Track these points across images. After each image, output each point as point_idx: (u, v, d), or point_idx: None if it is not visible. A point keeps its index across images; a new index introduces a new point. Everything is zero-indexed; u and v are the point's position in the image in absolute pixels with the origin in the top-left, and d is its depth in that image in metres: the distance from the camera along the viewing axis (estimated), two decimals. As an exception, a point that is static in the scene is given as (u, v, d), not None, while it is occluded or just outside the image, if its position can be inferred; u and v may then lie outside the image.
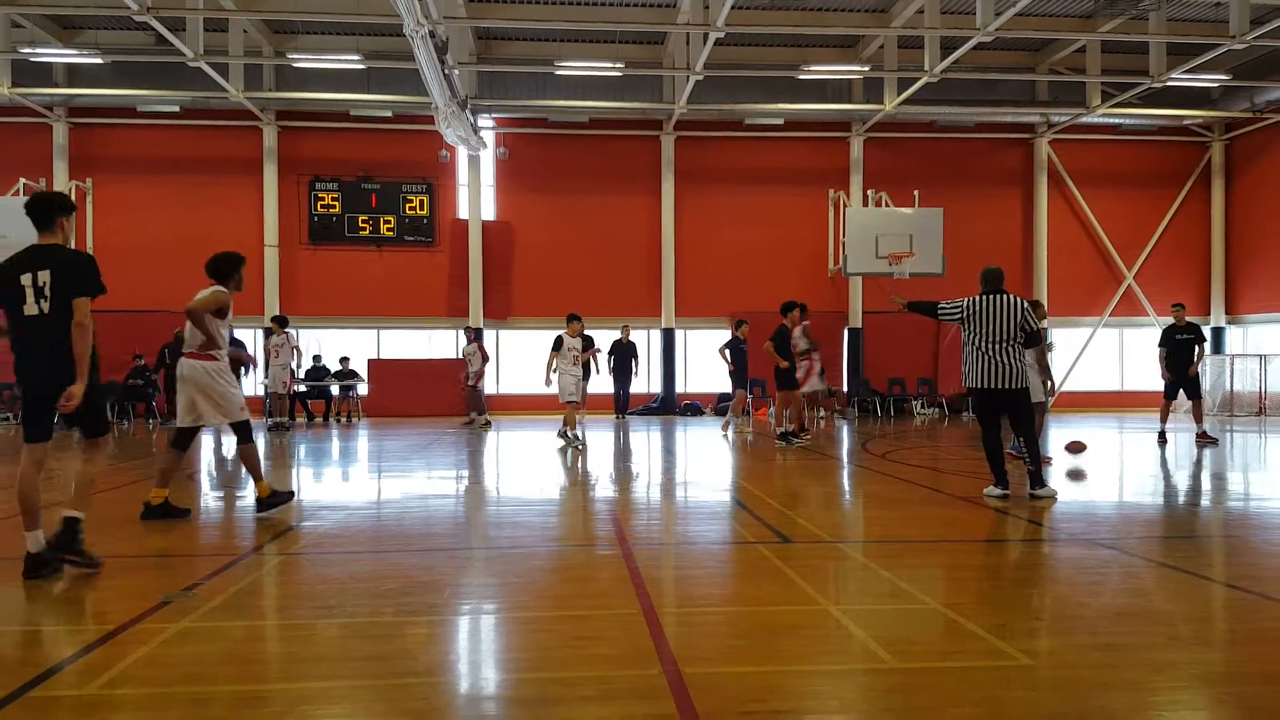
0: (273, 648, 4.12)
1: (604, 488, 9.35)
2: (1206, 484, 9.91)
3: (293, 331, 18.76)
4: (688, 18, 18.33)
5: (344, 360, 21.35)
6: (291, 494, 7.75)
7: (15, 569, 5.21)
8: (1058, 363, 20.68)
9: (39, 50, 19.38)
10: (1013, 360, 7.97)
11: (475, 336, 19.83)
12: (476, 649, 4.11)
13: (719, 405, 22.45)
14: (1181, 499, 8.90)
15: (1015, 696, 3.34)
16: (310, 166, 22.76)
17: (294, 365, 18.64)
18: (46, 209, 5.19)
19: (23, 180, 20.82)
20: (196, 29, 18.30)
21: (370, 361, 22.38)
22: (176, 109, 21.81)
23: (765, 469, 11.24)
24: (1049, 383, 10.98)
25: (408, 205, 22.89)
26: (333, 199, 22.76)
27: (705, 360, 23.71)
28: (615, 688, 3.42)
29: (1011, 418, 8.29)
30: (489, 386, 23.39)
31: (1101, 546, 6.05)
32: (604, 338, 21.58)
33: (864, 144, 23.40)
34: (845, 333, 23.57)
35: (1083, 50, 21.31)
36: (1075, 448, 11.89)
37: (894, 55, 20.84)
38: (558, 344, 13.70)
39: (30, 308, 5.02)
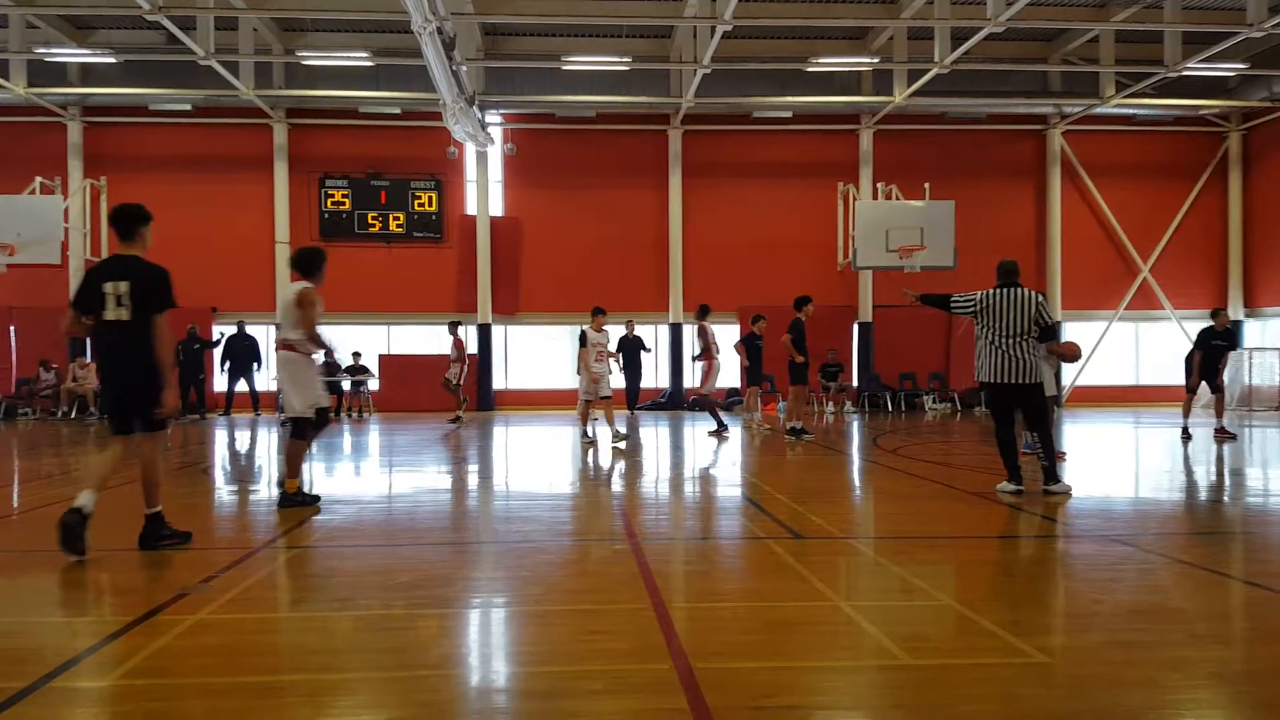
0: (288, 639, 4.16)
1: (613, 483, 9.36)
2: (1225, 480, 9.85)
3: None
4: (695, 11, 18.27)
5: (356, 355, 21.41)
6: (317, 498, 7.71)
7: (40, 561, 5.27)
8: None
9: (54, 50, 19.47)
10: (1027, 355, 7.88)
11: (452, 330, 19.55)
12: (488, 642, 4.13)
13: (728, 400, 22.39)
14: (1199, 495, 8.85)
15: (1030, 694, 3.32)
16: (320, 163, 22.81)
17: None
18: (128, 220, 5.77)
19: (38, 179, 20.93)
20: (207, 27, 18.37)
21: (381, 357, 22.45)
22: (188, 107, 21.88)
23: (775, 464, 11.24)
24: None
25: (416, 202, 22.93)
26: (343, 196, 22.81)
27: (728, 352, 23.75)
28: (626, 682, 3.43)
29: (1025, 413, 8.25)
30: (498, 381, 23.48)
31: (1117, 543, 6.02)
32: (612, 334, 21.60)
33: (874, 136, 23.29)
34: (855, 327, 23.48)
35: (1096, 40, 21.12)
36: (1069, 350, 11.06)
37: (904, 46, 20.72)
38: (582, 339, 13.32)
39: (110, 313, 5.51)
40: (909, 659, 3.67)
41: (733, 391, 22.16)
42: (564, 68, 21.02)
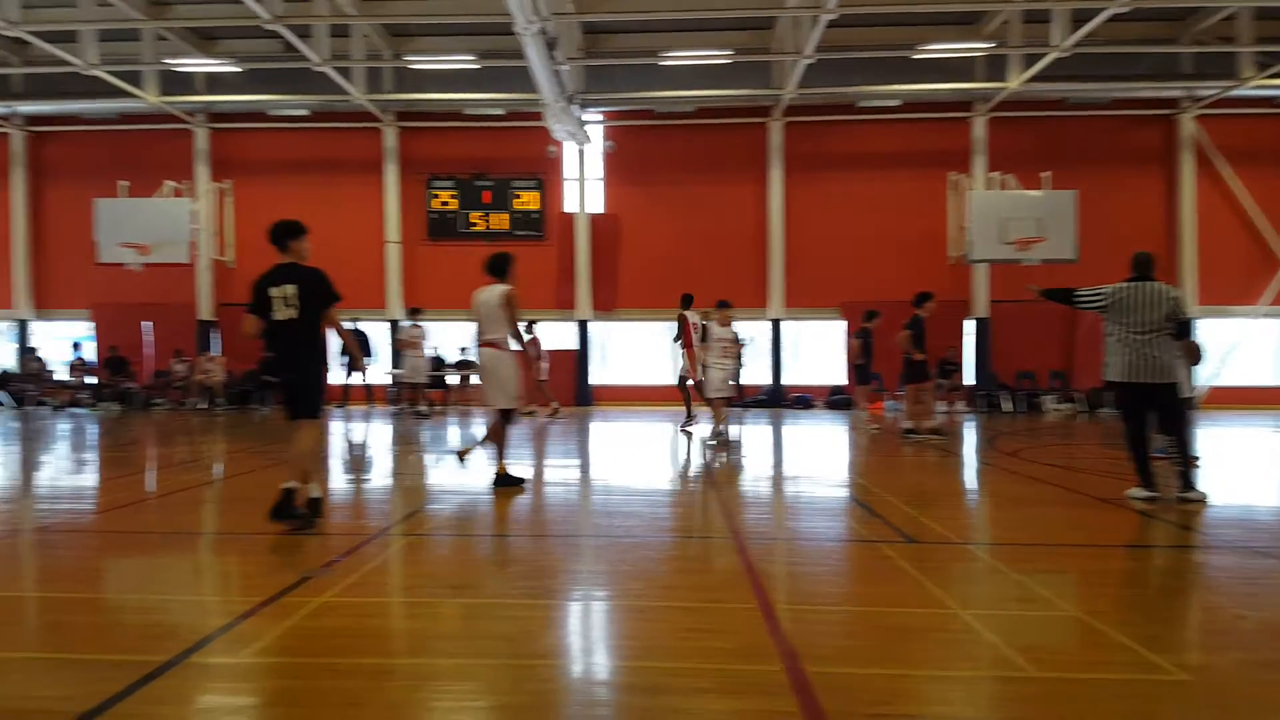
0: (405, 624, 4.28)
1: (715, 480, 9.31)
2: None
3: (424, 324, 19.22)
4: (798, 0, 18.00)
5: (463, 350, 21.90)
6: (522, 480, 8.42)
7: (175, 543, 5.56)
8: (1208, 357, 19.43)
9: (182, 61, 20.53)
10: (1160, 353, 7.48)
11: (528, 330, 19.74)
12: (594, 635, 4.16)
13: (830, 398, 22.07)
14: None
15: (1167, 712, 3.15)
16: (427, 165, 23.43)
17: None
18: (280, 234, 6.48)
19: (169, 183, 22.13)
20: (322, 35, 19.10)
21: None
22: (305, 112, 22.78)
23: (885, 465, 10.98)
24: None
25: (518, 201, 23.31)
26: (449, 196, 23.38)
27: (814, 352, 23.39)
28: (734, 681, 3.39)
29: (1159, 414, 7.79)
30: (595, 377, 23.66)
31: (1261, 555, 5.63)
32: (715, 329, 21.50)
33: (987, 124, 22.50)
34: (969, 323, 22.74)
35: (1232, 18, 19.87)
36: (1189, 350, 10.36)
37: (1019, 30, 19.93)
38: (704, 334, 12.68)
39: (280, 314, 6.25)
40: (1034, 671, 3.51)
41: (836, 389, 21.82)
42: (663, 63, 21.01)
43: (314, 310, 6.33)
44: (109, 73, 19.77)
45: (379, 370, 22.18)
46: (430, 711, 3.20)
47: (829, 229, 22.81)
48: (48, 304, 23.90)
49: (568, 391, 22.73)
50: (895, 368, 21.41)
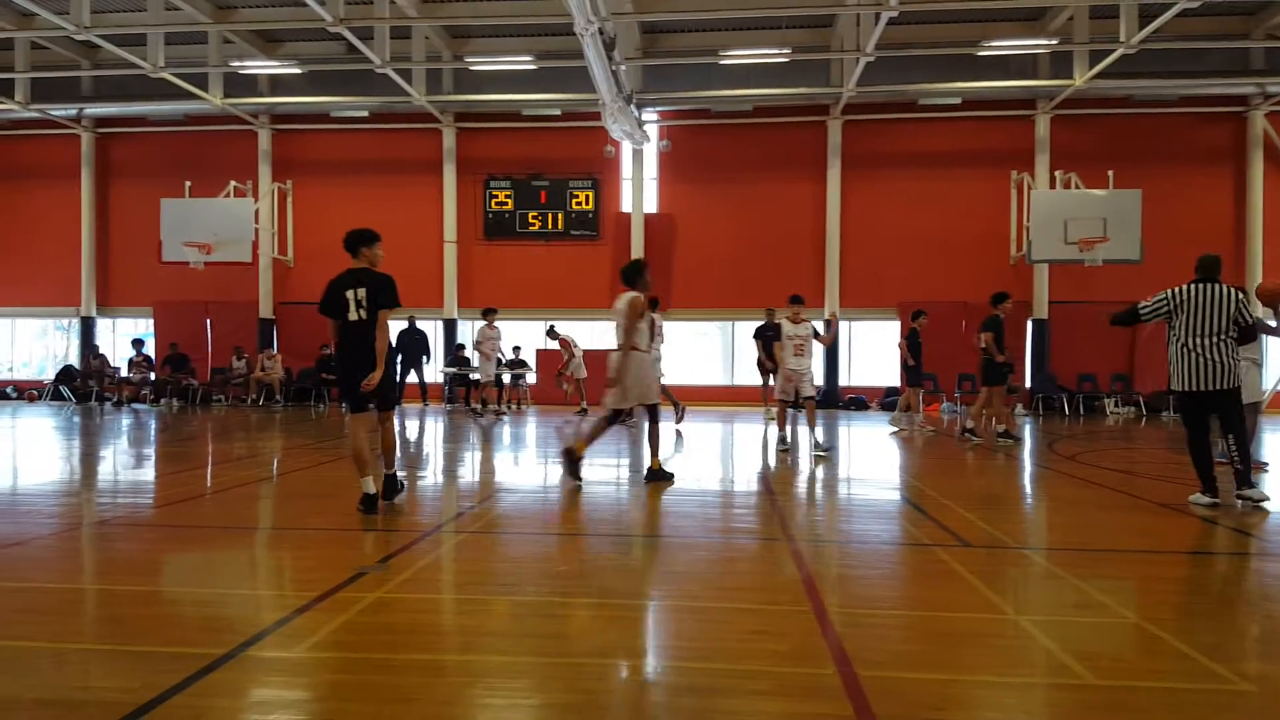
0: (458, 621, 4.32)
1: (767, 481, 9.25)
2: None
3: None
4: (859, -1, 17.81)
5: (516, 350, 22.06)
6: (672, 475, 8.79)
7: (232, 537, 5.68)
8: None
9: (246, 63, 21.02)
10: (1225, 357, 7.29)
11: (552, 334, 20.18)
12: (647, 635, 4.15)
13: (885, 400, 21.78)
14: None
15: (1232, 722, 3.06)
16: (485, 165, 23.66)
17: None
18: (352, 243, 7.12)
19: (232, 183, 22.67)
20: (383, 37, 19.39)
21: (538, 352, 23.05)
22: (365, 114, 23.15)
23: (938, 468, 10.81)
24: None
25: (574, 201, 23.42)
26: (506, 196, 23.58)
27: (870, 352, 23.12)
28: (788, 684, 3.37)
29: (1221, 417, 7.58)
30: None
31: (1329, 561, 5.46)
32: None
33: (1050, 122, 22.03)
34: (1029, 324, 22.30)
35: (1308, 11, 19.25)
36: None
37: (1085, 26, 19.52)
38: (777, 333, 12.03)
39: (352, 315, 6.82)
40: (1092, 678, 3.44)
41: (891, 390, 21.53)
42: (721, 62, 20.97)
43: (375, 314, 6.84)
44: (175, 75, 20.30)
45: (434, 369, 22.48)
46: (483, 709, 3.22)
47: (887, 228, 22.55)
48: (111, 301, 24.64)
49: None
50: (952, 369, 21.35)
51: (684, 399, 23.04)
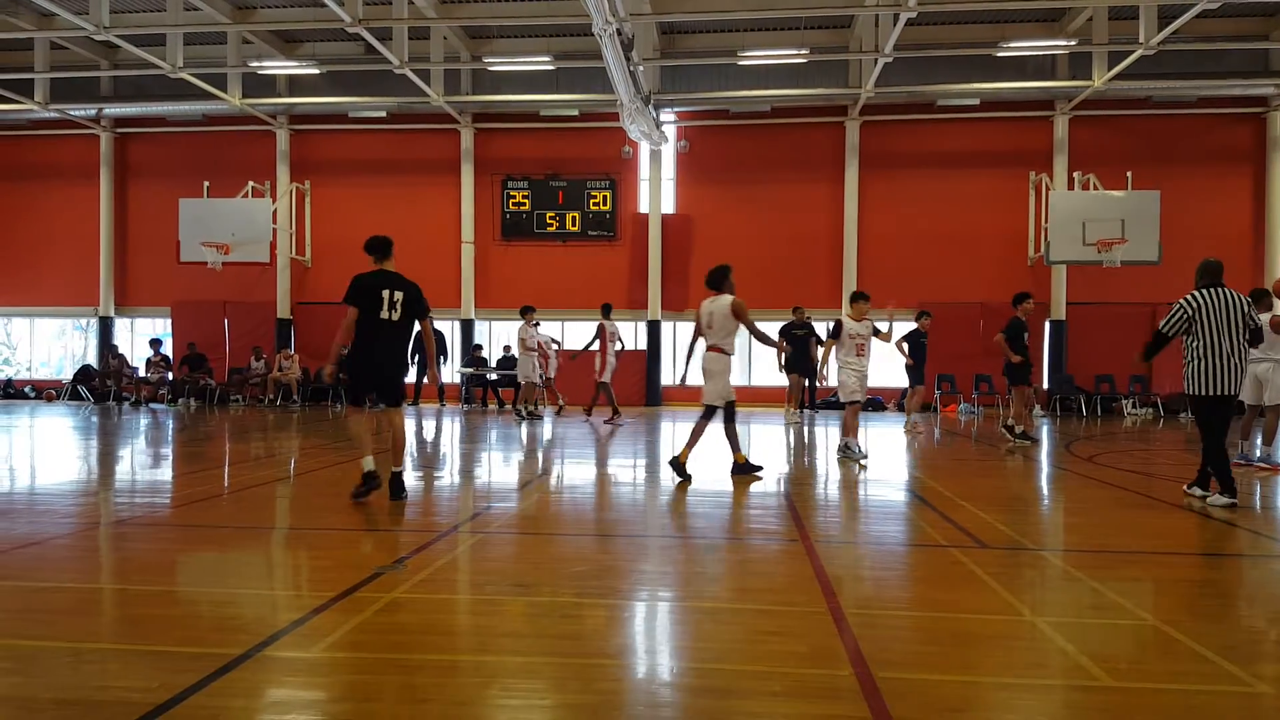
0: (474, 621, 4.33)
1: (783, 482, 9.23)
2: None
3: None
4: (877, -1, 17.77)
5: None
6: (759, 467, 9.37)
7: (248, 537, 5.71)
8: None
9: (265, 64, 21.16)
10: (1243, 361, 7.42)
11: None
12: (664, 635, 4.15)
13: (900, 401, 21.68)
14: None
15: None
16: (503, 166, 23.72)
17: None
18: (385, 246, 7.52)
19: (250, 183, 22.82)
20: (402, 38, 19.47)
21: (555, 352, 23.07)
22: (383, 114, 23.27)
23: (957, 469, 10.76)
24: None
25: (592, 201, 23.45)
26: (523, 196, 23.63)
27: (886, 353, 22.98)
28: (805, 685, 3.35)
29: (1226, 421, 7.63)
30: (666, 377, 23.63)
31: (1352, 565, 5.40)
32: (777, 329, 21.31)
33: (1069, 123, 21.92)
34: (1046, 325, 22.18)
35: (1329, 11, 19.08)
36: None
37: (1104, 27, 19.41)
38: (837, 330, 11.31)
39: (384, 314, 7.21)
40: (1110, 680, 3.41)
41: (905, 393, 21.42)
42: (740, 63, 20.96)
43: (411, 317, 7.38)
44: (194, 75, 20.46)
45: (452, 369, 22.57)
46: (499, 709, 3.22)
47: (905, 229, 22.48)
48: (129, 301, 24.84)
49: (636, 392, 22.80)
50: (970, 369, 21.25)
51: (698, 400, 23.02)
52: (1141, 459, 11.70)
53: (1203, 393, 7.49)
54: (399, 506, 7.15)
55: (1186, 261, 19.68)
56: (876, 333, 11.60)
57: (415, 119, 23.52)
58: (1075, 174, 21.25)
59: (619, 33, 15.73)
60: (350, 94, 22.54)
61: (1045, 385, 21.91)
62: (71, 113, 23.03)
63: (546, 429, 15.60)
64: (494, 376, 21.65)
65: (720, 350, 9.19)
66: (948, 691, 3.32)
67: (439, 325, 22.10)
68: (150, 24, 20.38)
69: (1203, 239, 20.98)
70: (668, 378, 23.61)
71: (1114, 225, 19.88)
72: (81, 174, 24.50)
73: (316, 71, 21.88)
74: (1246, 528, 6.69)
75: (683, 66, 22.11)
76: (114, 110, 23.26)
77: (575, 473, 10.10)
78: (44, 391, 24.12)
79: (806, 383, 19.50)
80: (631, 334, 23.74)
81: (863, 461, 10.66)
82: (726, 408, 9.27)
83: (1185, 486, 7.91)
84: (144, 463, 10.70)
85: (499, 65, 21.37)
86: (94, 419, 17.33)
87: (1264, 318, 10.08)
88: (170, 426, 15.79)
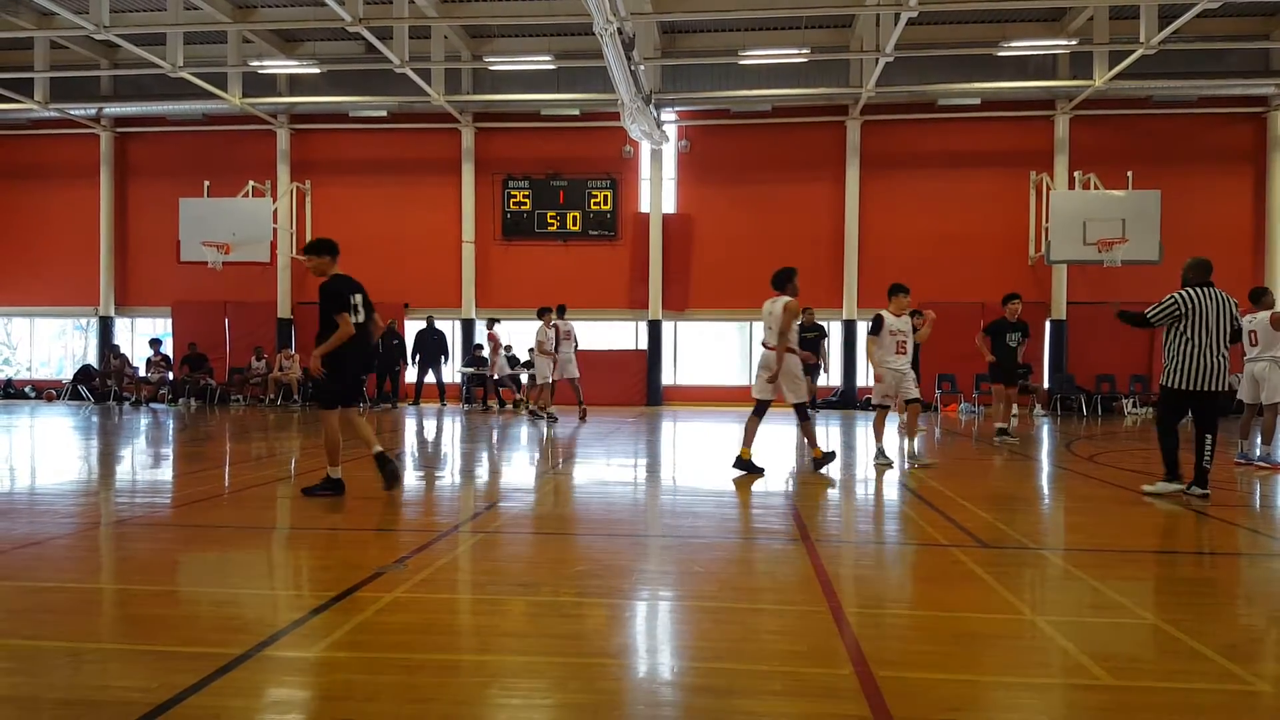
0: (475, 620, 4.33)
1: (784, 481, 9.23)
2: None
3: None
4: (878, -1, 17.77)
5: (530, 351, 22.08)
6: (833, 454, 9.87)
7: (250, 537, 5.71)
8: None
9: (265, 63, 21.15)
10: (1225, 359, 7.70)
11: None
12: (664, 635, 4.15)
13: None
14: None
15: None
16: (504, 165, 23.72)
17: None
18: (336, 250, 7.56)
19: (251, 183, 22.82)
20: (402, 37, 19.46)
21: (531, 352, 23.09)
22: (384, 114, 23.26)
23: (957, 468, 10.75)
24: None
25: (592, 201, 23.44)
26: (524, 196, 23.62)
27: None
28: (805, 685, 3.36)
29: (1206, 415, 7.86)
30: (667, 377, 23.66)
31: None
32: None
33: (1070, 122, 21.91)
34: (1047, 324, 22.17)
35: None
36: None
37: (1105, 27, 19.40)
38: (876, 326, 10.48)
39: (354, 317, 7.38)
40: (1111, 679, 3.41)
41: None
42: (741, 62, 20.96)
43: (368, 318, 7.61)
44: (194, 75, 20.46)
45: (452, 369, 22.57)
46: (500, 709, 3.22)
47: (906, 229, 22.48)
48: (129, 301, 24.84)
49: (637, 392, 22.81)
50: (970, 369, 21.24)
51: (701, 399, 23.12)
52: (1142, 458, 11.68)
53: (1187, 387, 7.72)
54: (396, 502, 7.14)
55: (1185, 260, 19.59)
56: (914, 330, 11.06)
57: (416, 118, 23.51)
58: (1076, 173, 21.25)
59: (620, 32, 15.72)
60: (351, 93, 22.54)
61: (1046, 385, 21.92)
62: (71, 112, 23.02)
63: (551, 429, 15.60)
64: (496, 376, 21.64)
65: (789, 349, 9.48)
66: (948, 691, 3.32)
67: (440, 325, 22.10)
68: (150, 23, 20.38)
69: (1203, 238, 20.97)
70: (668, 377, 23.62)
71: (1115, 225, 19.88)
72: (81, 173, 24.50)
73: (317, 71, 21.88)
74: (1246, 526, 6.69)
75: (684, 66, 22.11)
76: (114, 109, 23.23)
77: (575, 472, 10.09)
78: (44, 391, 24.13)
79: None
80: (632, 334, 23.77)
81: (927, 463, 10.36)
82: (759, 405, 9.52)
83: (1185, 487, 7.91)
84: (144, 463, 10.71)
85: (500, 65, 21.36)
86: (94, 419, 17.34)
87: (1262, 315, 10.15)
88: (171, 426, 15.79)
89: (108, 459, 10.93)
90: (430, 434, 14.77)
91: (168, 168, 24.28)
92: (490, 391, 21.73)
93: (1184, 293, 7.72)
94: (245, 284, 23.78)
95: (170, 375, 22.88)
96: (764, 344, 9.59)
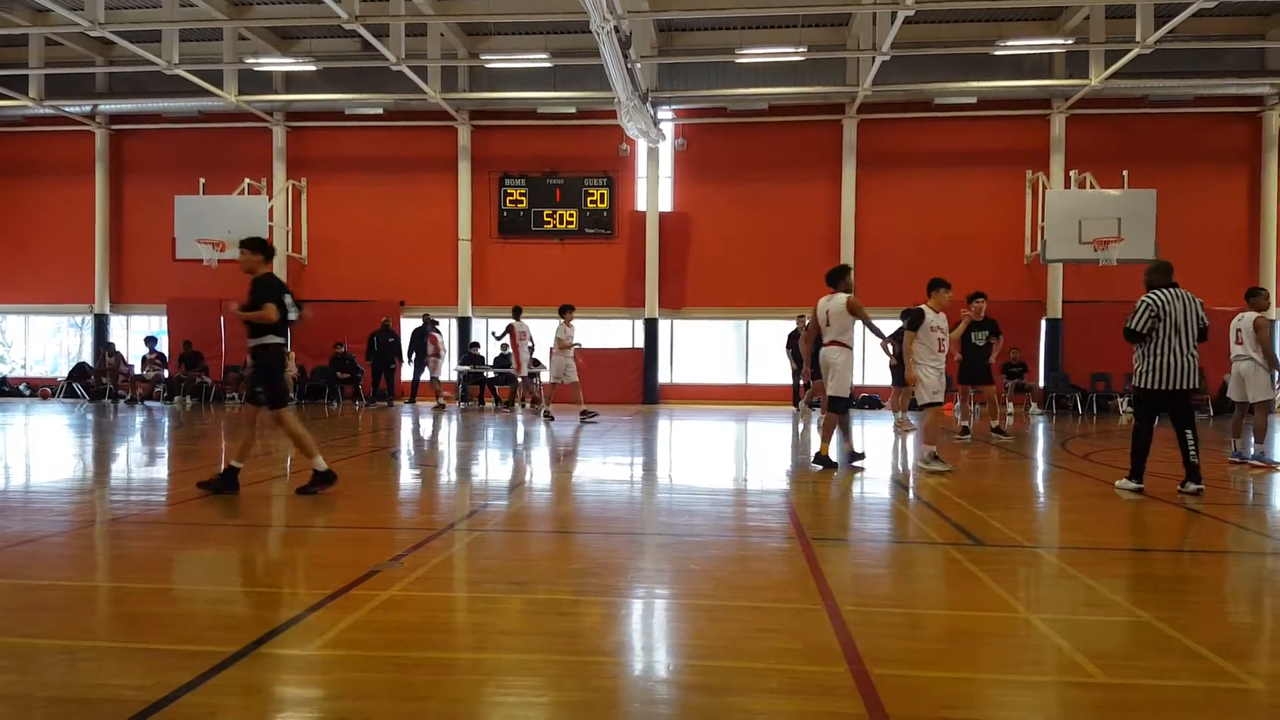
0: (471, 618, 4.32)
1: (779, 479, 9.24)
2: None
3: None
4: (874, -3, 17.78)
5: (529, 349, 22.06)
6: (862, 455, 10.06)
7: (245, 535, 5.70)
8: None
9: (261, 60, 21.11)
10: (1196, 358, 7.90)
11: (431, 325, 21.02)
12: (660, 633, 4.15)
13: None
14: None
15: (1238, 720, 3.06)
16: (500, 163, 23.70)
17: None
18: (272, 251, 7.93)
19: (247, 180, 22.77)
20: (399, 35, 19.44)
21: (552, 350, 23.04)
22: (380, 111, 23.23)
23: (951, 466, 10.74)
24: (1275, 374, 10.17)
25: (589, 199, 23.44)
26: (520, 194, 23.61)
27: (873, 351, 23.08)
28: (801, 682, 3.36)
29: (1185, 414, 7.99)
30: (664, 375, 23.68)
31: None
32: (780, 328, 21.33)
33: (1066, 122, 21.94)
34: (1043, 323, 22.22)
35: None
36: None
37: (1101, 26, 19.44)
38: (916, 321, 9.76)
39: (291, 314, 7.66)
40: (1104, 677, 3.43)
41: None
42: (737, 61, 20.96)
43: (299, 316, 7.80)
44: (189, 72, 20.41)
45: (449, 367, 22.54)
46: (495, 706, 3.22)
47: (902, 227, 22.50)
48: (124, 299, 24.78)
49: (634, 390, 22.81)
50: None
51: (698, 398, 23.14)
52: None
53: (1160, 387, 7.89)
54: (393, 500, 7.13)
55: (1183, 260, 19.72)
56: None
57: (412, 116, 23.49)
58: (1072, 172, 21.29)
59: (616, 30, 15.71)
60: (347, 91, 22.49)
61: (1041, 383, 21.96)
62: (66, 109, 22.96)
63: (547, 428, 15.59)
64: (491, 375, 21.63)
65: (841, 344, 9.58)
66: (943, 688, 3.33)
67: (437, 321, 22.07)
68: (146, 20, 20.33)
69: (1198, 237, 21.07)
70: (665, 375, 23.62)
71: (1110, 224, 19.91)
72: (77, 171, 24.43)
73: (313, 68, 21.84)
74: (1240, 525, 6.71)
75: (680, 64, 22.10)
76: (109, 107, 23.18)
77: (572, 470, 10.09)
78: (39, 389, 24.07)
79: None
80: (629, 332, 23.77)
81: (943, 471, 9.37)
82: (833, 400, 9.77)
83: (1179, 486, 7.94)
84: (139, 460, 10.69)
85: (496, 62, 21.35)
86: (89, 417, 17.30)
87: (1249, 316, 10.23)
88: (166, 424, 15.76)
89: (103, 457, 10.90)
90: (425, 432, 14.76)
91: (163, 165, 24.22)
92: (487, 390, 21.72)
93: (1152, 295, 7.97)
94: (241, 282, 23.51)
95: (165, 373, 22.82)
96: (829, 341, 9.71)
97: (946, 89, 21.12)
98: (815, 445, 10.09)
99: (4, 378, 24.95)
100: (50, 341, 26.34)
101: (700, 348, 23.92)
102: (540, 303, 23.46)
